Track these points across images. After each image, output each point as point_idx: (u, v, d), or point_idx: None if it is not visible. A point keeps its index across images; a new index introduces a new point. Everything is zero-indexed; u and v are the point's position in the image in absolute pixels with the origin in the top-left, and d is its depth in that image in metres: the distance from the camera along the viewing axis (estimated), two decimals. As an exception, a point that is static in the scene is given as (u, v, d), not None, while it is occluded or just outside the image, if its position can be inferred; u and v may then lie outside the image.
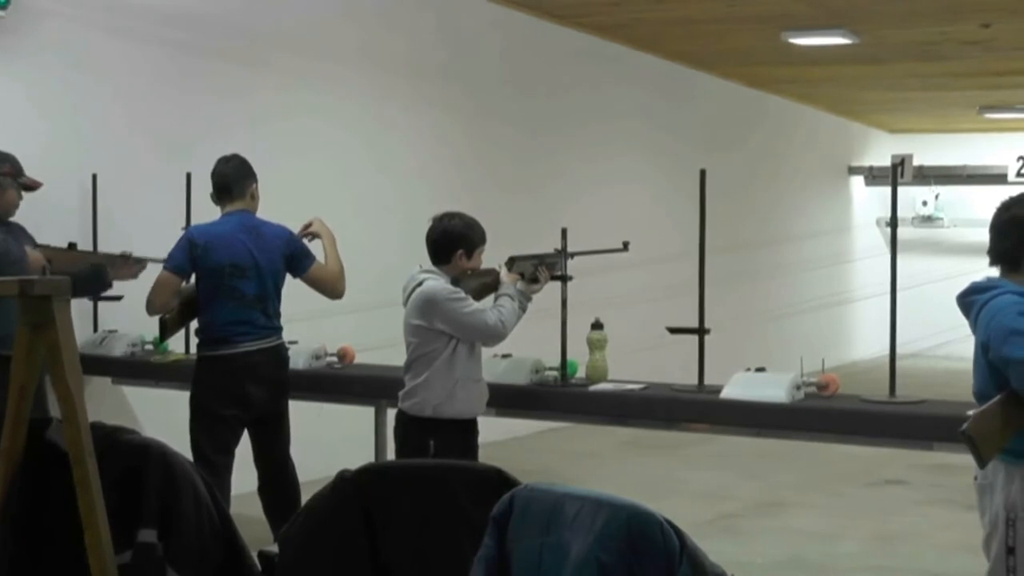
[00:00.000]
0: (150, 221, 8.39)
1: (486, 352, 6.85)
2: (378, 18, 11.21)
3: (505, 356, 7.28)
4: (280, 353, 7.36)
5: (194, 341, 7.96)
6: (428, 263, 6.65)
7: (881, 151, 21.51)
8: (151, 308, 7.18)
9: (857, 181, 21.74)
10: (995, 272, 5.26)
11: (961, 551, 5.67)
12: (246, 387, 7.21)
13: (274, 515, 7.20)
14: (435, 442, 6.48)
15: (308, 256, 7.34)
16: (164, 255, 7.23)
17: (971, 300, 5.18)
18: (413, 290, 6.55)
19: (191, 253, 7.07)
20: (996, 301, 5.06)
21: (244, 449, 7.42)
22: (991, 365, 4.97)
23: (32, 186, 7.28)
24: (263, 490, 7.43)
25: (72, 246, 7.62)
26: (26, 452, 3.63)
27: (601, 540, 2.98)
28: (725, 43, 14.62)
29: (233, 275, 7.09)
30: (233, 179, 7.21)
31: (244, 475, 7.36)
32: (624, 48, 14.47)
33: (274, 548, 3.74)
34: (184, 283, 7.19)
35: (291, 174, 8.12)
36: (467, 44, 12.22)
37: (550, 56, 13.35)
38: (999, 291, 5.08)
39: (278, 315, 7.33)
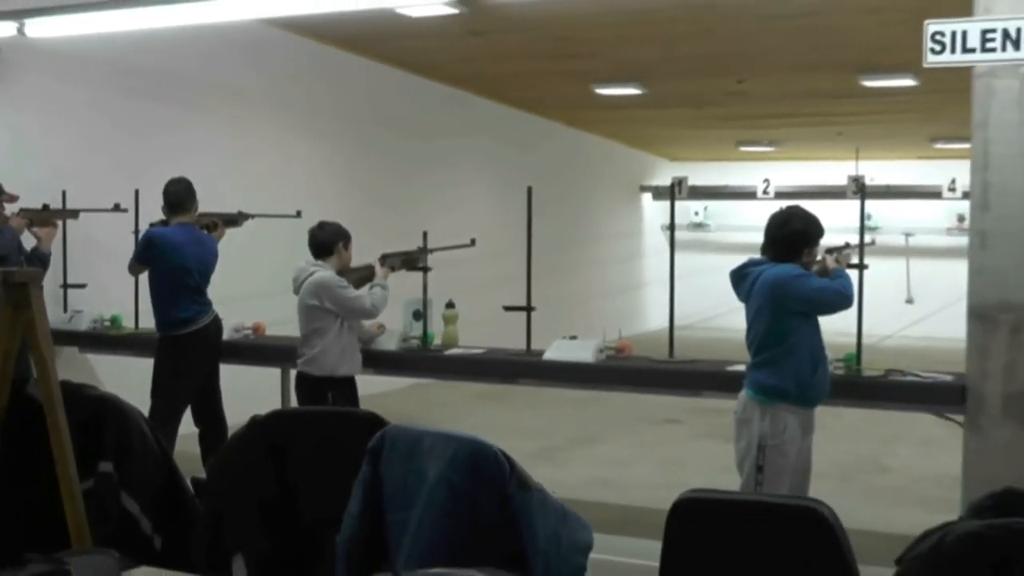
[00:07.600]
0: (107, 226, 8.31)
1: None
2: (284, 74, 11.15)
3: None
4: (219, 322, 7.44)
5: (143, 319, 7.96)
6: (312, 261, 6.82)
7: (664, 174, 21.69)
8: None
9: (647, 197, 21.93)
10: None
11: (723, 472, 5.79)
12: (205, 354, 7.30)
13: (206, 452, 7.16)
14: (332, 394, 6.59)
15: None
16: (119, 251, 7.60)
17: (747, 271, 5.33)
18: (305, 279, 6.69)
19: (149, 252, 7.23)
20: (774, 269, 5.23)
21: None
22: (780, 312, 5.16)
23: (11, 199, 7.19)
24: (202, 434, 7.39)
25: (45, 207, 7.70)
26: (11, 403, 3.60)
27: (451, 465, 3.01)
28: (549, 92, 14.68)
29: (184, 275, 7.18)
30: (183, 197, 7.29)
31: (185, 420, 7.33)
32: (471, 95, 14.48)
33: (203, 475, 3.75)
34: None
35: (215, 193, 8.10)
36: (351, 94, 12.14)
37: (416, 102, 13.31)
38: (771, 265, 5.26)
39: (206, 296, 7.35)
